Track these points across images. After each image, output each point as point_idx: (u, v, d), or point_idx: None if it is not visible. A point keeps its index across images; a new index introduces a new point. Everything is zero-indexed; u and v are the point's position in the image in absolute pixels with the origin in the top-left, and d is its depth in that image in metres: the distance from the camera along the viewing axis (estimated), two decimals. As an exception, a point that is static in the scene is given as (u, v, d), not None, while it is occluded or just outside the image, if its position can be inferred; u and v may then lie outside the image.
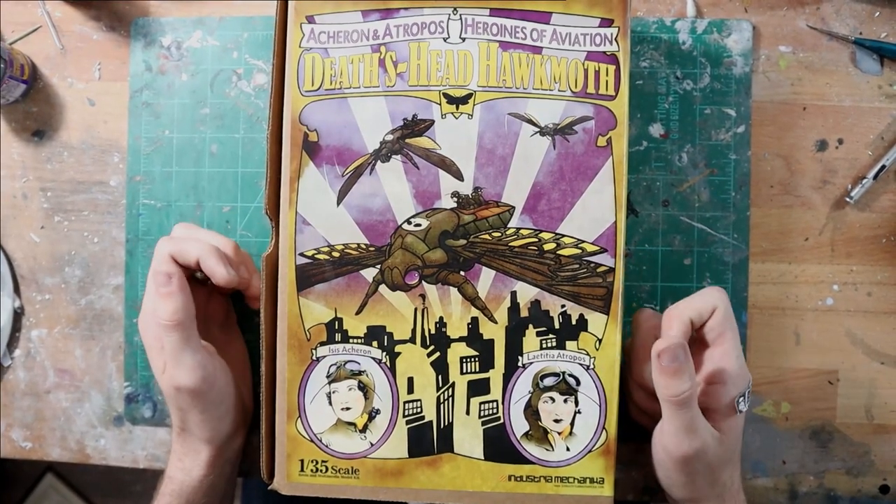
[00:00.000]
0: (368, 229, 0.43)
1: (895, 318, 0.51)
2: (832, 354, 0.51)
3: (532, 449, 0.43)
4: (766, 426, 0.51)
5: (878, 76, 0.51)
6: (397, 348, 0.44)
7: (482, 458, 0.44)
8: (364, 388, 0.44)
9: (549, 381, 0.43)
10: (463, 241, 0.43)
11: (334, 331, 0.44)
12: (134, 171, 0.54)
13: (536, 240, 0.43)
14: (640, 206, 0.51)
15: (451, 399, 0.44)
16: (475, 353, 0.43)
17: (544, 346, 0.43)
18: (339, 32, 0.44)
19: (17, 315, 0.55)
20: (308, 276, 0.44)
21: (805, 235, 0.51)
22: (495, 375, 0.43)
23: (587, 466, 0.43)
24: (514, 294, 0.43)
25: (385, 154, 0.43)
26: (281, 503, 0.51)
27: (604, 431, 0.43)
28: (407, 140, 0.43)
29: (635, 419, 0.48)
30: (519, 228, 0.43)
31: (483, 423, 0.44)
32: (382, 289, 0.43)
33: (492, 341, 0.43)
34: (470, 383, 0.44)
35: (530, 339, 0.43)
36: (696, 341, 0.43)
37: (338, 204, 0.43)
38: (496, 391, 0.44)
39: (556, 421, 0.43)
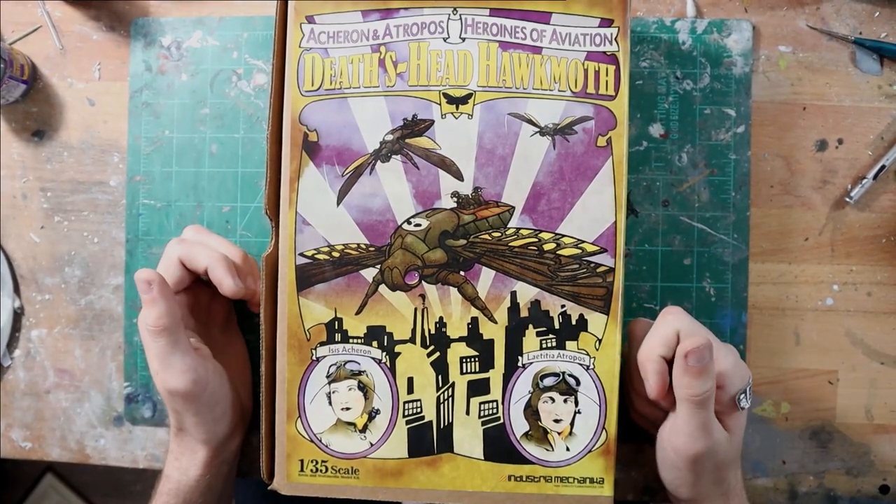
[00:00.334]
0: (368, 229, 0.43)
1: (895, 318, 0.51)
2: (832, 354, 0.51)
3: (532, 449, 0.43)
4: (765, 426, 0.51)
5: (877, 76, 0.51)
6: (397, 348, 0.44)
7: (482, 458, 0.44)
8: (364, 388, 0.44)
9: (548, 381, 0.43)
10: (463, 241, 0.43)
11: (334, 331, 0.44)
12: (134, 171, 0.54)
13: (536, 240, 0.43)
14: (639, 206, 0.51)
15: (450, 399, 0.44)
16: (475, 353, 0.43)
17: (544, 346, 0.43)
18: (339, 32, 0.44)
19: (17, 315, 0.55)
20: (308, 276, 0.44)
21: (805, 235, 0.51)
22: (495, 375, 0.43)
23: (587, 466, 0.43)
24: (513, 294, 0.43)
25: (385, 154, 0.43)
26: (275, 503, 0.51)
27: (604, 431, 0.43)
28: (407, 140, 0.43)
29: (634, 421, 0.48)
30: (519, 228, 0.43)
31: (483, 423, 0.44)
32: (382, 289, 0.43)
33: (492, 341, 0.43)
34: (470, 383, 0.44)
35: (530, 340, 0.43)
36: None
37: (338, 204, 0.43)
38: (496, 391, 0.44)
39: (556, 421, 0.43)
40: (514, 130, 0.43)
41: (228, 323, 0.51)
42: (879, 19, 0.51)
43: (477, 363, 0.44)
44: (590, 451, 0.43)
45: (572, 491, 0.43)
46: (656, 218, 0.51)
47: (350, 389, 0.44)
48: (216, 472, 0.47)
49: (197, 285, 0.47)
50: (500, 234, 0.43)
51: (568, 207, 0.43)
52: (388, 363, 0.44)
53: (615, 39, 0.43)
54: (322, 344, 0.44)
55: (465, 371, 0.44)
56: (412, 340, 0.44)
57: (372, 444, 0.44)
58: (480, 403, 0.44)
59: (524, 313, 0.43)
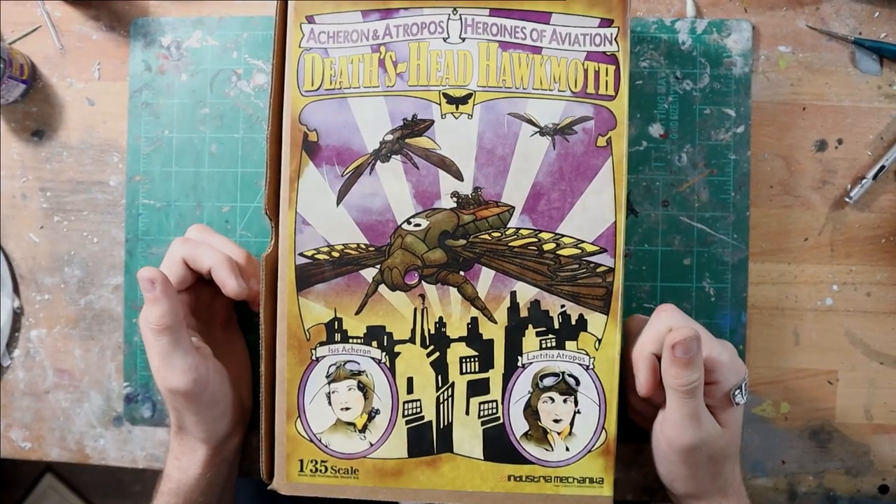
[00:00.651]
0: (368, 229, 0.43)
1: (895, 318, 0.51)
2: (831, 354, 0.51)
3: (531, 449, 0.44)
4: (765, 426, 0.51)
5: (877, 76, 0.51)
6: (397, 348, 0.44)
7: (482, 458, 0.44)
8: (364, 388, 0.44)
9: (548, 381, 0.43)
10: (463, 241, 0.43)
11: (334, 331, 0.44)
12: (133, 170, 0.54)
13: (536, 240, 0.43)
14: (639, 207, 0.51)
15: (450, 399, 0.44)
16: (475, 353, 0.43)
17: (544, 346, 0.43)
18: (339, 32, 0.44)
19: (17, 315, 0.55)
20: (308, 276, 0.44)
21: (804, 235, 0.51)
22: (495, 375, 0.43)
23: (587, 466, 0.43)
24: (513, 294, 0.43)
25: (385, 154, 0.43)
26: (274, 503, 0.51)
27: (603, 431, 0.43)
28: (407, 140, 0.43)
29: (633, 420, 0.48)
30: (518, 228, 0.43)
31: (483, 423, 0.44)
32: (382, 289, 0.43)
33: (491, 341, 0.43)
34: (469, 383, 0.44)
35: (530, 339, 0.43)
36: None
37: (337, 204, 0.43)
38: (496, 391, 0.44)
39: (556, 421, 0.43)
40: (513, 130, 0.43)
41: (229, 322, 0.51)
42: (879, 19, 0.51)
43: (477, 363, 0.44)
44: (589, 451, 0.43)
45: (572, 491, 0.43)
46: (656, 218, 0.51)
47: (350, 389, 0.44)
48: (216, 471, 0.47)
49: (199, 284, 0.47)
50: (499, 234, 0.43)
51: (568, 207, 0.43)
52: (387, 363, 0.44)
53: (615, 39, 0.43)
54: (322, 344, 0.44)
55: (464, 371, 0.44)
56: (412, 340, 0.44)
57: (371, 444, 0.44)
58: (480, 403, 0.44)
59: (524, 313, 0.43)
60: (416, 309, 0.43)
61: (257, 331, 0.44)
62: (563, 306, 0.43)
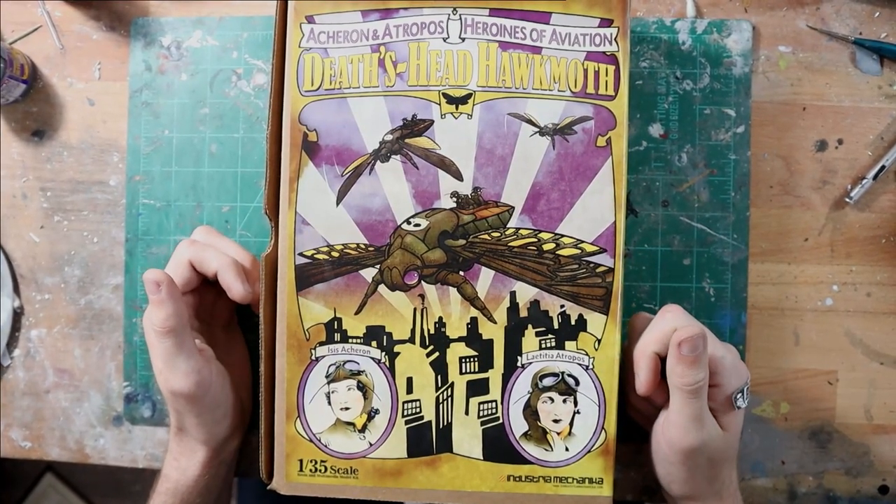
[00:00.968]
0: (368, 229, 0.43)
1: (894, 318, 0.51)
2: (831, 355, 0.51)
3: (531, 449, 0.43)
4: (765, 426, 0.51)
5: (877, 76, 0.51)
6: (396, 348, 0.44)
7: (481, 458, 0.44)
8: (363, 388, 0.44)
9: (548, 382, 0.43)
10: (462, 241, 0.43)
11: (333, 331, 0.44)
12: (133, 170, 0.54)
13: (536, 240, 0.43)
14: (639, 207, 0.51)
15: (450, 399, 0.44)
16: (474, 353, 0.43)
17: (543, 346, 0.43)
18: (339, 32, 0.44)
19: (17, 315, 0.55)
20: (307, 276, 0.44)
21: (804, 236, 0.51)
22: (494, 375, 0.43)
23: (586, 466, 0.43)
24: (513, 294, 0.43)
25: (384, 154, 0.43)
26: (277, 503, 0.51)
27: (603, 431, 0.43)
28: (406, 140, 0.43)
29: (632, 418, 0.48)
30: (518, 228, 0.43)
31: (482, 423, 0.44)
32: (382, 289, 0.43)
33: (491, 341, 0.43)
34: (469, 383, 0.44)
35: (529, 340, 0.43)
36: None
37: (337, 204, 0.43)
38: (495, 391, 0.44)
39: (556, 421, 0.43)
40: (513, 130, 0.43)
41: (230, 323, 0.51)
42: (879, 19, 0.51)
43: (476, 363, 0.44)
44: (589, 452, 0.43)
45: (571, 491, 0.43)
46: (656, 218, 0.51)
47: (349, 389, 0.44)
48: (215, 473, 0.47)
49: (202, 285, 0.47)
50: (499, 234, 0.43)
51: (567, 207, 0.43)
52: (387, 363, 0.44)
53: (615, 39, 0.43)
54: (321, 344, 0.44)
55: (464, 371, 0.44)
56: (411, 340, 0.44)
57: (371, 444, 0.44)
58: (480, 403, 0.44)
59: (523, 313, 0.43)
60: (415, 309, 0.43)
61: (257, 331, 0.44)
62: (562, 306, 0.43)
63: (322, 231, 0.44)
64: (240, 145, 0.53)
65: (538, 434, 0.43)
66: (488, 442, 0.44)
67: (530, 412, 0.43)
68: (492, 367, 0.43)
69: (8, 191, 0.55)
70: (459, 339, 0.43)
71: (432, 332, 0.43)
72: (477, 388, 0.44)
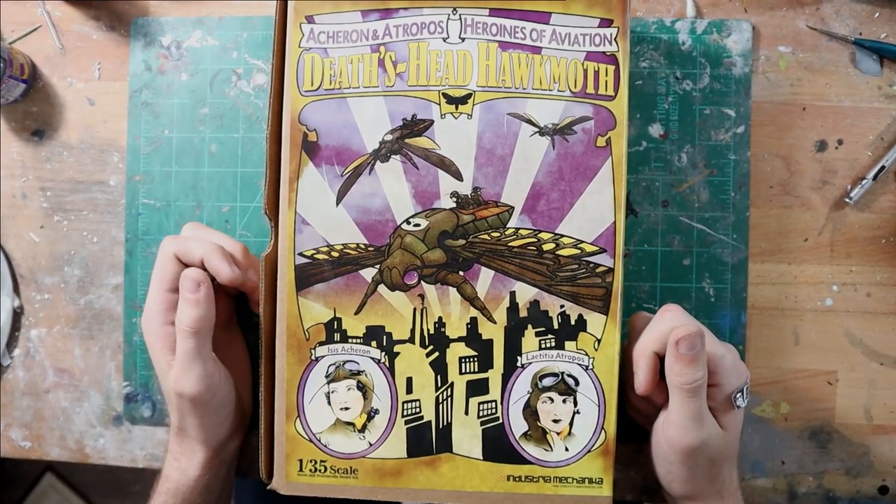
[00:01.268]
0: (367, 229, 0.43)
1: (894, 318, 0.51)
2: (831, 355, 0.51)
3: (531, 449, 0.44)
4: (765, 426, 0.51)
5: (877, 77, 0.51)
6: (396, 348, 0.44)
7: (481, 458, 0.44)
8: (363, 388, 0.44)
9: (547, 382, 0.43)
10: (462, 241, 0.43)
11: (333, 331, 0.44)
12: (133, 170, 0.54)
13: (535, 240, 0.43)
14: (639, 207, 0.51)
15: (449, 399, 0.44)
16: (474, 353, 0.43)
17: (543, 346, 0.43)
18: (339, 32, 0.44)
19: (17, 314, 0.55)
20: (307, 276, 0.44)
21: (804, 236, 0.51)
22: (494, 375, 0.43)
23: (586, 466, 0.43)
24: (513, 294, 0.43)
25: (384, 154, 0.43)
26: (275, 503, 0.51)
27: (602, 431, 0.43)
28: (406, 140, 0.43)
29: (632, 417, 0.48)
30: (518, 228, 0.43)
31: (482, 423, 0.44)
32: (381, 289, 0.43)
33: (491, 341, 0.43)
34: (469, 383, 0.44)
35: (529, 340, 0.43)
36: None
37: (337, 204, 0.43)
38: (495, 391, 0.44)
39: (555, 421, 0.43)
40: (513, 130, 0.43)
41: (230, 323, 0.51)
42: (879, 20, 0.51)
43: (476, 363, 0.44)
44: (589, 452, 0.43)
45: (571, 491, 0.43)
46: (656, 218, 0.51)
47: (349, 389, 0.44)
48: (215, 473, 0.47)
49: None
50: (499, 234, 0.43)
51: (567, 207, 0.43)
52: (387, 363, 0.44)
53: (615, 39, 0.43)
54: (321, 344, 0.44)
55: (464, 371, 0.44)
56: (411, 340, 0.44)
57: (371, 444, 0.44)
58: (479, 403, 0.44)
59: (523, 313, 0.43)
60: (415, 309, 0.43)
61: (257, 331, 0.44)
62: (562, 306, 0.43)
63: (322, 231, 0.44)
64: (240, 145, 0.53)
65: (538, 434, 0.43)
66: (488, 442, 0.44)
67: (530, 412, 0.43)
68: (491, 367, 0.43)
69: (8, 191, 0.55)
70: (459, 339, 0.43)
71: (432, 332, 0.43)
72: (477, 388, 0.44)
